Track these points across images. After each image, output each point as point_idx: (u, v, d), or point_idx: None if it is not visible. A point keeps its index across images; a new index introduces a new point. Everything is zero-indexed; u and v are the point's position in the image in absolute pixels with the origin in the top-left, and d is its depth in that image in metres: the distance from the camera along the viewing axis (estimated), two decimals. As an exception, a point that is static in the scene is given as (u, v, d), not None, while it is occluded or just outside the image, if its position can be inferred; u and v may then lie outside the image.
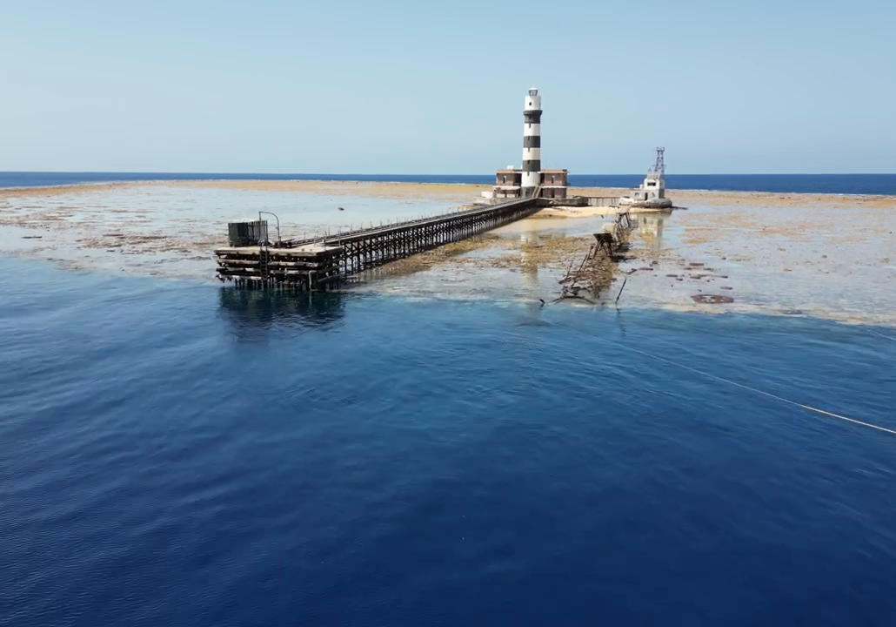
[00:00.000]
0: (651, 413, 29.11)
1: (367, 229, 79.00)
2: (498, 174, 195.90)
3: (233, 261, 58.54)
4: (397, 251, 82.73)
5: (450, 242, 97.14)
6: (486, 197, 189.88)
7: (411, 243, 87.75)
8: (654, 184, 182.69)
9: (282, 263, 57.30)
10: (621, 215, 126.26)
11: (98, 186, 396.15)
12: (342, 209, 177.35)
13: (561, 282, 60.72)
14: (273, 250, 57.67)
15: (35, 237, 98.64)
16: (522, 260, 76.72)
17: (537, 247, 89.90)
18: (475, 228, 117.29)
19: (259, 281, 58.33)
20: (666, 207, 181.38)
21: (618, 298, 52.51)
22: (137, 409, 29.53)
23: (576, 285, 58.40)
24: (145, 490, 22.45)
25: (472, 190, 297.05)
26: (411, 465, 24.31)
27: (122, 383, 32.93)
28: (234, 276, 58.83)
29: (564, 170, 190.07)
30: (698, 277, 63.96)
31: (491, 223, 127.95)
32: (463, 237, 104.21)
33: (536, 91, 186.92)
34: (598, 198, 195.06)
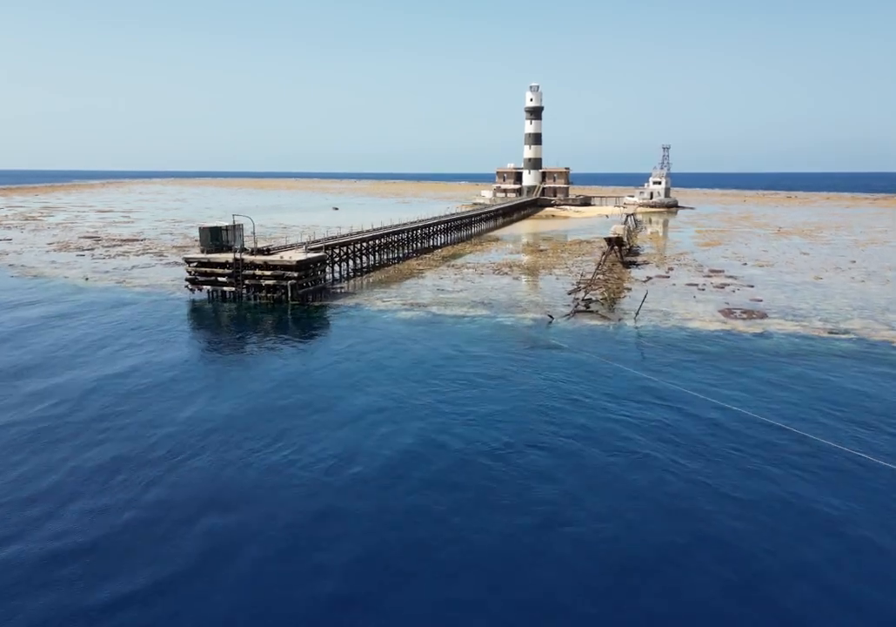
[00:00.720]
0: (706, 472, 22.96)
1: (358, 232, 72.80)
2: (498, 173, 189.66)
3: (204, 269, 52.34)
4: (390, 256, 76.53)
5: (447, 245, 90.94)
6: (485, 196, 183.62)
7: (406, 247, 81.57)
8: (659, 183, 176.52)
9: (258, 272, 51.10)
10: (628, 216, 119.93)
11: (91, 184, 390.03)
12: (336, 209, 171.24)
13: (570, 292, 54.56)
14: (248, 258, 51.46)
15: (5, 240, 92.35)
16: (526, 266, 70.53)
17: (541, 251, 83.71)
18: (474, 229, 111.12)
19: (233, 292, 52.14)
20: (672, 207, 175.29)
21: (637, 313, 46.26)
22: (39, 454, 23.35)
23: (587, 296, 52.22)
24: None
25: (471, 189, 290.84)
26: (387, 571, 18.16)
27: (38, 419, 26.72)
28: (205, 286, 52.62)
29: (567, 168, 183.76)
30: (722, 286, 57.75)
31: (491, 224, 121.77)
32: (461, 240, 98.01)
33: (538, 87, 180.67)
34: (601, 197, 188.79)
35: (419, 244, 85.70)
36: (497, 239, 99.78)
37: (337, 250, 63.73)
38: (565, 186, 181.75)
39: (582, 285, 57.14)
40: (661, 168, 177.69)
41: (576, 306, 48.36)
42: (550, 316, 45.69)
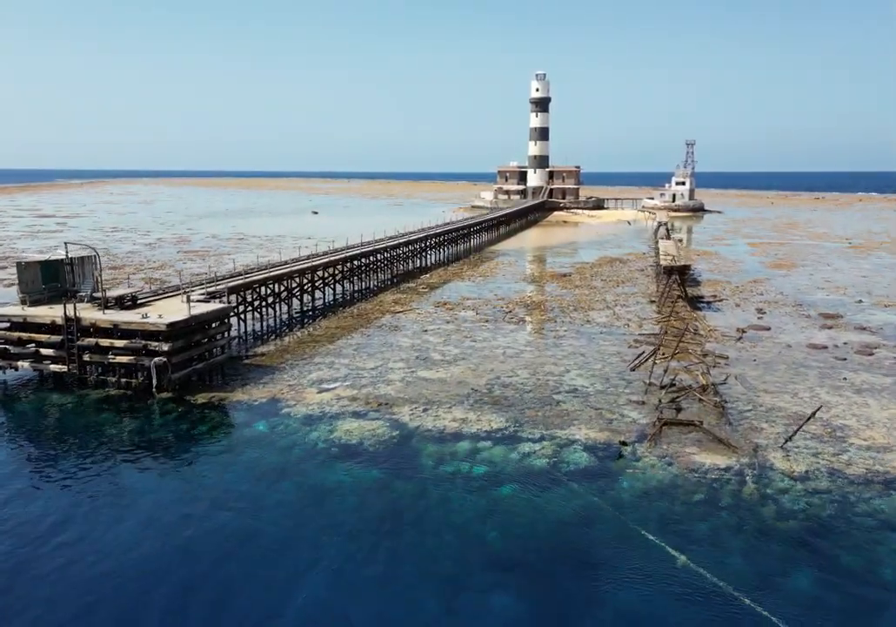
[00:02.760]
0: None
1: (308, 257, 51.47)
2: (500, 172, 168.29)
3: (17, 335, 31.00)
4: (357, 288, 55.33)
5: (438, 266, 69.73)
6: (485, 198, 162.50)
7: (381, 272, 60.43)
8: (683, 183, 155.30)
9: (104, 341, 29.78)
10: (661, 224, 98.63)
11: (69, 184, 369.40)
12: (316, 213, 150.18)
13: (633, 367, 33.30)
14: (90, 317, 30.12)
15: None
16: (548, 306, 49.25)
17: (564, 277, 62.38)
18: (473, 241, 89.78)
19: (66, 375, 30.82)
20: (698, 211, 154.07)
21: (789, 439, 24.73)
22: None
23: (668, 379, 30.92)
24: None
25: (469, 189, 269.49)
26: None
27: None
28: (21, 362, 31.22)
29: (577, 167, 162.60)
30: (868, 351, 36.47)
31: (493, 234, 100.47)
32: (457, 258, 76.78)
33: (544, 75, 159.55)
34: (616, 199, 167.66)
35: (400, 267, 64.51)
36: (502, 255, 78.56)
37: (268, 288, 42.58)
38: (575, 186, 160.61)
39: (645, 342, 35.89)
40: (685, 166, 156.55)
41: (660, 416, 26.92)
42: (622, 443, 24.30)
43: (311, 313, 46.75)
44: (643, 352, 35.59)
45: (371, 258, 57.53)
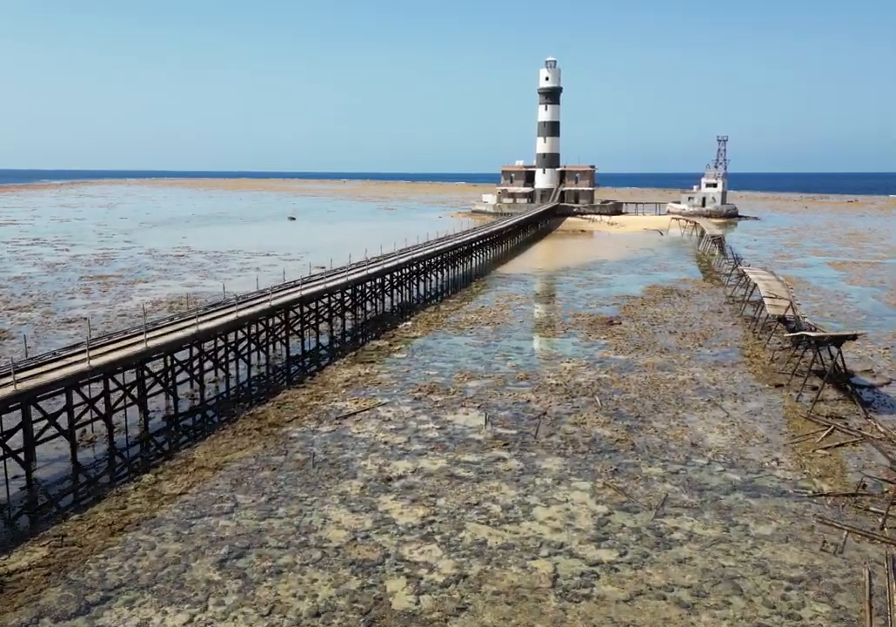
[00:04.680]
0: None
1: (207, 311, 31.30)
2: (504, 172, 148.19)
3: None
4: (291, 353, 35.24)
5: (426, 303, 49.82)
6: (487, 202, 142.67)
7: (338, 319, 40.56)
8: (714, 185, 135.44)
9: None
10: (713, 239, 78.69)
11: (47, 185, 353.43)
12: (293, 219, 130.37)
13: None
14: None
15: None
16: (605, 395, 29.24)
17: (612, 324, 42.35)
18: (473, 261, 69.90)
19: None
20: (731, 217, 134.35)
21: None
22: None
23: None
24: None
25: (469, 190, 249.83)
26: None
27: None
28: None
29: (592, 166, 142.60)
30: None
31: (499, 251, 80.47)
32: (453, 284, 56.94)
33: (555, 62, 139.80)
34: (635, 203, 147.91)
35: (367, 309, 44.61)
36: (512, 283, 58.66)
37: (90, 388, 22.62)
38: (590, 189, 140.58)
39: (854, 532, 16.12)
40: (717, 166, 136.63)
41: None
42: None
43: (186, 420, 26.70)
44: (870, 571, 15.70)
45: (319, 303, 37.54)
